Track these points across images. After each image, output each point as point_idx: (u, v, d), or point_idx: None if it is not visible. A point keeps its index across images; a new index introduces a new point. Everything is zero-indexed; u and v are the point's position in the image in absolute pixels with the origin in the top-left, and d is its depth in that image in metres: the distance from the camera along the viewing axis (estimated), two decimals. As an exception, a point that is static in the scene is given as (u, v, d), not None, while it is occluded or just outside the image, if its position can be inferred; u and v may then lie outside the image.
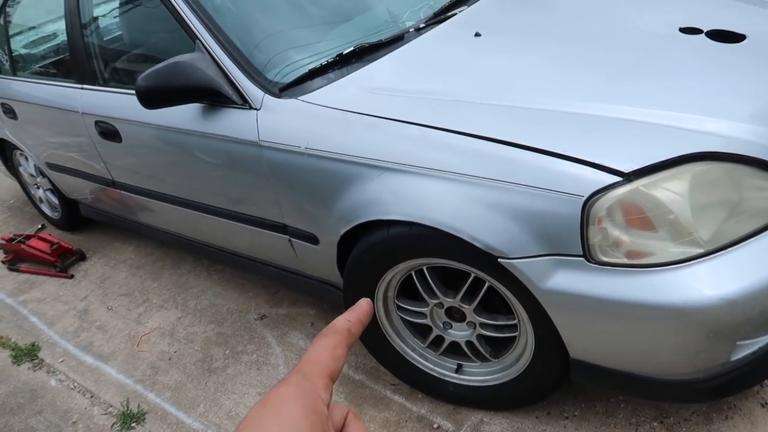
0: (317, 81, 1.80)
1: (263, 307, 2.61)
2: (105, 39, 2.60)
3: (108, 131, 2.43)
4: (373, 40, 1.91)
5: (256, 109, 1.82)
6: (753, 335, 1.33)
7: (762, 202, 1.31)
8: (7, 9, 3.17)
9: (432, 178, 1.48)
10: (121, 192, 2.72)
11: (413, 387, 2.00)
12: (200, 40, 1.90)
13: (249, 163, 1.88)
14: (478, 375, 1.82)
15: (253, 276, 2.77)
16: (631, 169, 1.26)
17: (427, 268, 1.68)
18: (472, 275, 1.60)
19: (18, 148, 3.47)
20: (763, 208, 1.31)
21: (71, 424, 2.23)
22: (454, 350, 1.84)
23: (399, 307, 1.85)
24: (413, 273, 1.73)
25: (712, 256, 1.26)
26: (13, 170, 3.84)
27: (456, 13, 2.05)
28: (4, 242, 3.42)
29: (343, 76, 1.80)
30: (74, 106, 2.58)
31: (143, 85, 1.83)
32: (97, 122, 2.47)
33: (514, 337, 1.66)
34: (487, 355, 1.76)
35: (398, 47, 1.89)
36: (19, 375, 2.55)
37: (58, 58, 2.96)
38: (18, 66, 3.17)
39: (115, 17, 2.59)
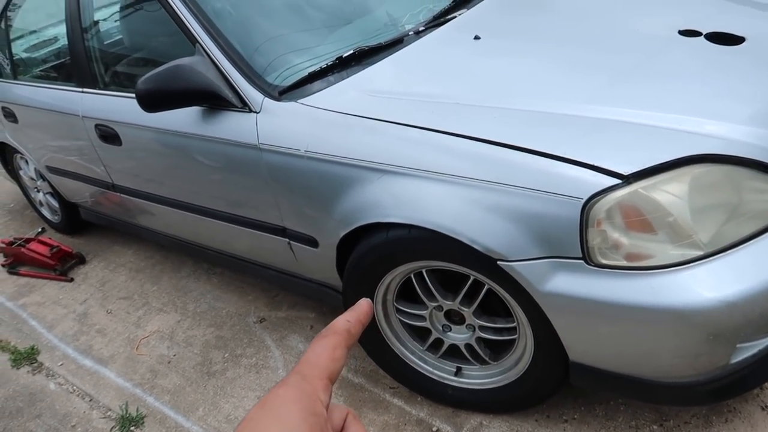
0: (317, 84, 1.81)
1: (262, 310, 2.61)
2: (105, 43, 2.61)
3: (108, 134, 2.43)
4: (373, 43, 1.92)
5: (255, 112, 1.82)
6: (753, 338, 1.33)
7: (761, 204, 1.31)
8: (8, 13, 3.18)
9: (431, 181, 1.48)
10: (121, 195, 2.72)
11: (412, 390, 1.99)
12: (200, 44, 1.90)
13: (249, 166, 1.88)
14: (477, 378, 1.82)
15: (253, 279, 2.77)
16: (630, 172, 1.26)
17: (426, 271, 1.68)
18: (472, 278, 1.60)
19: (18, 152, 3.48)
20: (762, 210, 1.31)
21: (70, 427, 2.23)
22: (453, 353, 1.84)
23: (398, 310, 1.85)
24: (412, 276, 1.73)
25: (711, 258, 1.26)
26: (14, 174, 3.85)
27: (455, 17, 2.06)
28: (4, 245, 3.41)
29: (342, 79, 1.80)
30: (74, 109, 2.58)
31: (143, 88, 1.83)
32: (97, 125, 2.47)
33: (514, 339, 1.66)
34: (487, 358, 1.75)
35: (398, 50, 1.90)
36: (18, 378, 2.54)
37: (59, 61, 2.96)
38: (19, 70, 3.17)
39: (115, 21, 2.60)
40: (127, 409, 2.23)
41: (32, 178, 3.65)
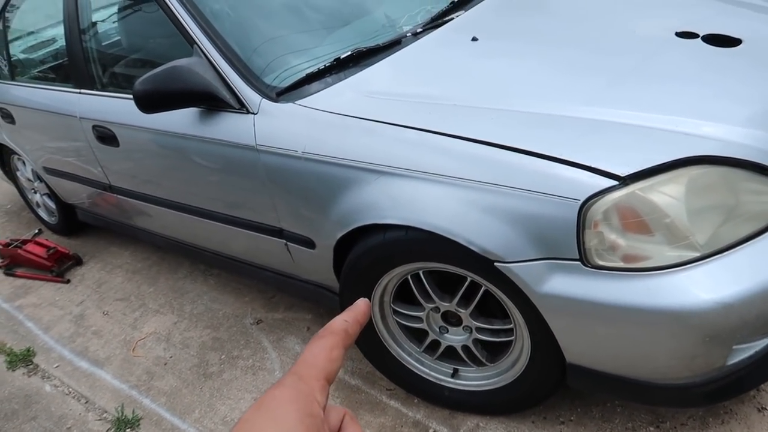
0: (315, 85, 1.81)
1: (259, 311, 2.60)
2: (103, 44, 2.61)
3: (105, 136, 2.43)
4: (371, 44, 1.92)
5: (253, 113, 1.82)
6: (749, 339, 1.33)
7: (758, 206, 1.31)
8: (6, 14, 3.18)
9: (428, 182, 1.48)
10: (118, 196, 2.72)
11: (409, 392, 1.99)
12: (198, 45, 1.90)
13: (246, 168, 1.88)
14: (474, 380, 1.82)
15: (250, 280, 2.76)
16: (627, 173, 1.27)
17: (423, 273, 1.68)
18: (469, 279, 1.60)
19: (16, 153, 3.47)
20: (759, 212, 1.31)
21: (65, 429, 2.22)
22: (450, 355, 1.84)
23: (395, 312, 1.84)
24: (409, 277, 1.72)
25: (708, 259, 1.26)
26: (11, 175, 3.84)
27: (453, 18, 2.06)
28: (0, 247, 3.40)
29: (340, 81, 1.80)
30: (72, 110, 2.58)
31: (141, 89, 1.83)
32: (94, 127, 2.47)
33: (511, 341, 1.66)
34: (484, 360, 1.75)
35: (396, 52, 1.90)
36: (13, 381, 2.53)
37: (57, 63, 2.96)
38: (16, 71, 3.17)
39: (113, 22, 2.60)
40: (123, 411, 2.22)
41: (29, 180, 3.64)
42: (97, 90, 2.49)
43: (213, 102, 1.87)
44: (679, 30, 1.72)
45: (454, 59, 1.82)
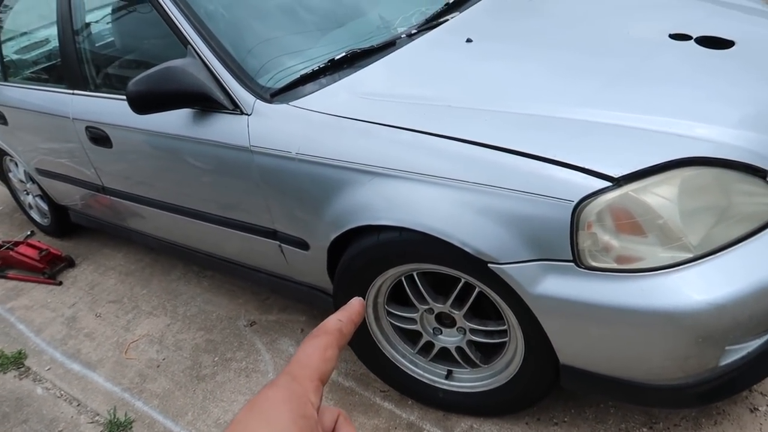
0: (309, 86, 1.80)
1: (253, 313, 2.60)
2: (97, 44, 2.60)
3: (98, 137, 2.42)
4: (365, 45, 1.92)
5: (247, 114, 1.81)
6: (742, 340, 1.34)
7: (750, 207, 1.32)
8: (-1, 14, 3.17)
9: (423, 184, 1.48)
10: (111, 198, 2.71)
11: (403, 394, 1.98)
12: (192, 46, 1.90)
13: (240, 169, 1.87)
14: (468, 381, 1.81)
15: (243, 282, 2.75)
16: (620, 174, 1.27)
17: (417, 274, 1.68)
18: (463, 281, 1.60)
19: (8, 154, 3.45)
20: (751, 213, 1.32)
21: (57, 432, 2.21)
22: (444, 356, 1.83)
23: (389, 313, 1.84)
24: (403, 278, 1.72)
25: (701, 261, 1.27)
26: (3, 176, 3.82)
27: (448, 20, 2.06)
28: (-8, 249, 3.39)
29: (334, 82, 1.80)
30: (65, 111, 2.57)
31: (134, 90, 1.82)
32: (87, 128, 2.46)
33: (504, 342, 1.66)
34: (477, 361, 1.75)
35: (390, 53, 1.90)
36: (4, 383, 2.51)
37: (50, 63, 2.95)
38: (9, 71, 3.15)
39: (107, 23, 2.59)
40: (115, 413, 2.21)
41: (21, 181, 3.62)
42: (91, 91, 2.48)
43: (207, 103, 1.86)
44: (672, 32, 1.73)
45: (449, 61, 1.82)
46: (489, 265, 1.42)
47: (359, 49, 1.89)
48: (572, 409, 1.84)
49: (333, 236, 1.71)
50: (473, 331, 1.70)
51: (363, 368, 2.08)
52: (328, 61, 1.85)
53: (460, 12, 2.12)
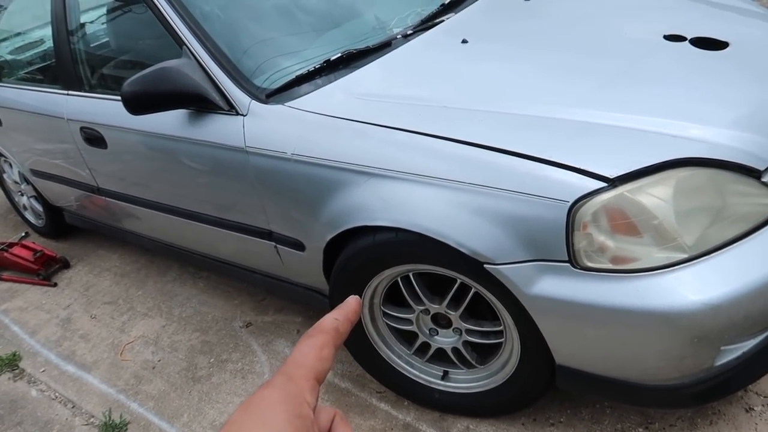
0: (304, 87, 1.80)
1: (249, 314, 2.59)
2: (91, 45, 2.59)
3: (93, 137, 2.41)
4: (361, 46, 1.91)
5: (242, 115, 1.81)
6: (737, 340, 1.34)
7: (745, 208, 1.32)
8: (-7, 15, 3.15)
9: (418, 184, 1.48)
10: (106, 199, 2.70)
11: (399, 394, 1.98)
12: (187, 46, 1.89)
13: (235, 170, 1.87)
14: (464, 382, 1.81)
15: (239, 283, 2.75)
16: (616, 175, 1.27)
17: (413, 275, 1.68)
18: (459, 281, 1.60)
19: (2, 155, 3.44)
20: (745, 213, 1.32)
21: (52, 434, 2.20)
22: (440, 357, 1.83)
23: (385, 314, 1.84)
24: (399, 279, 1.72)
25: (696, 261, 1.27)
26: (-3, 177, 3.81)
27: (443, 20, 2.06)
28: (-14, 250, 3.37)
29: (330, 82, 1.80)
30: (59, 112, 2.56)
31: (129, 90, 1.82)
32: (82, 128, 2.45)
33: (500, 343, 1.66)
34: (473, 362, 1.75)
35: (386, 53, 1.90)
36: (-1, 384, 2.51)
37: (45, 64, 2.93)
38: (3, 72, 3.14)
39: (102, 23, 2.58)
40: (110, 415, 2.20)
41: (16, 182, 3.61)
42: (85, 91, 2.47)
43: (202, 103, 1.86)
44: (667, 33, 1.73)
45: (444, 61, 1.82)
46: (485, 265, 1.42)
47: (355, 49, 1.89)
48: (568, 410, 1.84)
49: (329, 237, 1.71)
50: (469, 332, 1.70)
51: (359, 369, 2.08)
52: (324, 62, 1.85)
53: (456, 13, 2.12)
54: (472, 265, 1.44)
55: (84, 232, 3.55)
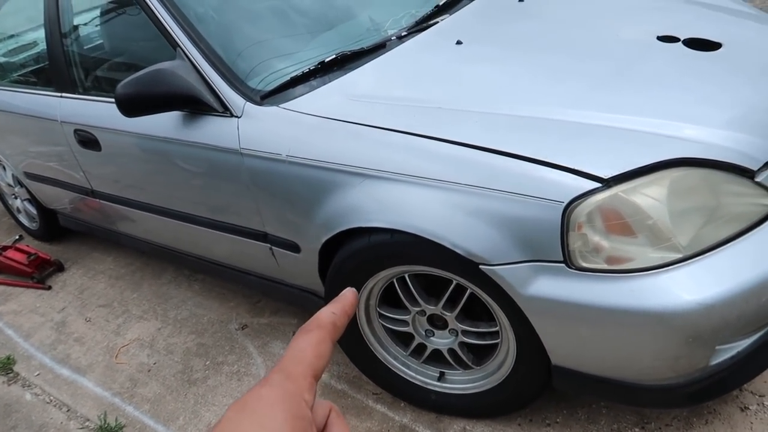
0: (299, 88, 1.80)
1: (244, 316, 2.58)
2: (85, 47, 2.58)
3: (87, 140, 2.40)
4: (356, 47, 1.91)
5: (237, 116, 1.81)
6: (731, 340, 1.34)
7: (739, 208, 1.33)
8: (-14, 17, 3.14)
9: (413, 185, 1.47)
10: (101, 201, 2.69)
11: (395, 396, 1.98)
12: (181, 48, 1.89)
13: (230, 171, 1.86)
14: (460, 383, 1.81)
15: (235, 285, 2.74)
16: (610, 175, 1.27)
17: (409, 276, 1.68)
18: (454, 282, 1.60)
19: (-5, 158, 3.42)
20: (739, 213, 1.32)
21: (47, 438, 2.18)
22: (436, 358, 1.83)
23: (381, 315, 1.84)
24: (395, 281, 1.72)
25: (690, 261, 1.28)
26: (-10, 180, 3.78)
27: (438, 22, 2.07)
28: (-20, 253, 3.35)
29: (325, 84, 1.79)
30: (53, 114, 2.55)
31: (123, 93, 1.81)
32: (76, 131, 2.44)
33: (496, 344, 1.66)
34: (470, 363, 1.75)
35: (380, 55, 1.90)
36: (-7, 388, 2.49)
37: (38, 66, 2.92)
38: (-4, 74, 3.13)
39: (96, 25, 2.57)
40: (105, 419, 2.19)
41: (9, 185, 3.59)
42: (79, 94, 2.46)
43: (196, 105, 1.86)
44: (660, 34, 1.74)
45: (439, 63, 1.82)
46: (480, 266, 1.42)
47: (349, 51, 1.89)
48: (564, 410, 1.84)
49: (324, 238, 1.71)
50: (465, 333, 1.70)
51: (355, 371, 2.07)
52: (319, 63, 1.85)
53: (450, 14, 2.12)
54: (467, 266, 1.44)
55: (78, 235, 3.53)
